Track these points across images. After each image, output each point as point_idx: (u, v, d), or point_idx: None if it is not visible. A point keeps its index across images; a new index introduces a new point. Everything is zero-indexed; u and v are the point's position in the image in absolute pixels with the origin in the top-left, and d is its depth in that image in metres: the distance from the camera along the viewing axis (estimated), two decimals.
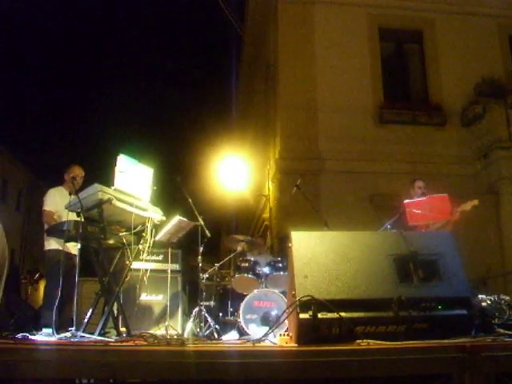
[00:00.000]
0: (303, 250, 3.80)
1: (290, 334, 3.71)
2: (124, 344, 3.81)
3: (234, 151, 17.93)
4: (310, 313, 3.45)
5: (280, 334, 3.75)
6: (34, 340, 4.65)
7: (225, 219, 21.52)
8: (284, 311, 3.63)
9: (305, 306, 3.47)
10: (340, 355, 2.96)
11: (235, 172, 14.72)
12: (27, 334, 5.05)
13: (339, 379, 2.90)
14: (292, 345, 3.53)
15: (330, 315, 3.49)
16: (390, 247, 3.93)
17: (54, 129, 46.81)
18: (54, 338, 5.05)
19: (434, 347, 3.10)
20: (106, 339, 4.87)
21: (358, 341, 3.39)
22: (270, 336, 3.84)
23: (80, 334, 5.26)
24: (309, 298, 3.43)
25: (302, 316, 3.47)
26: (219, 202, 18.55)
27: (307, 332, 3.47)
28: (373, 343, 3.30)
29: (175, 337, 7.42)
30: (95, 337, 5.10)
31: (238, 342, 4.36)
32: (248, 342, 3.67)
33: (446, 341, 3.28)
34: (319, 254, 3.81)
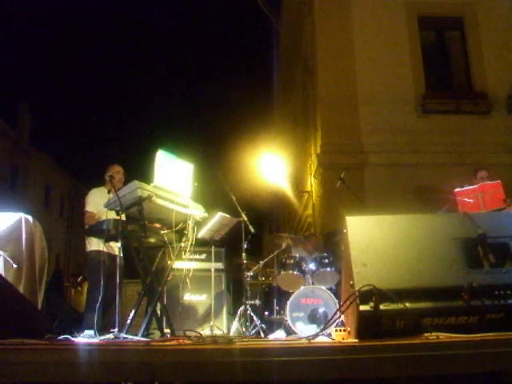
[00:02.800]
0: (360, 235, 3.51)
1: (348, 329, 3.45)
2: (167, 344, 3.61)
3: (275, 147, 17.78)
4: (372, 304, 3.13)
5: (336, 330, 3.49)
6: (70, 341, 4.50)
7: (267, 217, 21.36)
8: (343, 303, 3.36)
9: (365, 296, 3.16)
10: (406, 350, 2.68)
11: (276, 168, 14.56)
12: (69, 336, 4.93)
13: (406, 377, 2.61)
14: (352, 340, 3.27)
15: (393, 306, 3.18)
16: (455, 230, 3.58)
17: (93, 133, 47.40)
18: (96, 340, 4.93)
19: (508, 340, 2.79)
20: (148, 339, 4.71)
21: (425, 334, 3.08)
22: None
23: (123, 335, 5.13)
24: (369, 287, 3.13)
25: (362, 308, 3.16)
26: (261, 199, 18.39)
27: (368, 325, 3.17)
28: (443, 336, 3.00)
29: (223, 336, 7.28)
30: (138, 338, 4.96)
31: (292, 339, 4.12)
32: (303, 338, 3.45)
33: None
34: (377, 239, 3.51)
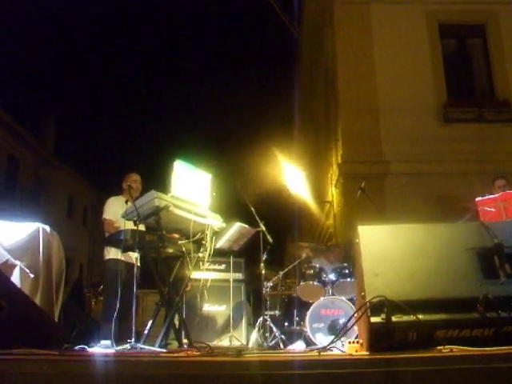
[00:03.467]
0: (372, 245, 3.42)
1: (361, 341, 3.37)
2: (174, 355, 3.56)
3: (297, 157, 17.74)
4: (383, 316, 3.05)
5: (349, 342, 3.40)
6: (79, 352, 4.48)
7: (288, 227, 21.31)
8: (352, 315, 3.29)
9: (376, 308, 3.07)
10: (418, 364, 2.57)
11: (297, 179, 14.51)
12: (85, 346, 4.92)
13: None
14: (363, 353, 3.19)
15: (405, 318, 3.09)
16: (471, 240, 3.47)
17: (115, 144, 47.66)
18: (110, 350, 4.91)
19: None
20: (159, 350, 4.66)
21: (438, 347, 2.99)
22: (338, 345, 3.54)
23: (139, 345, 5.10)
24: (381, 298, 3.04)
25: (373, 320, 3.07)
26: (282, 209, 18.34)
27: (380, 338, 3.08)
28: (456, 349, 2.90)
29: (238, 347, 7.23)
30: (153, 348, 4.92)
31: (302, 351, 4.04)
32: (313, 351, 3.38)
33: None
34: (390, 249, 3.42)
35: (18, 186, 29.03)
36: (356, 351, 3.26)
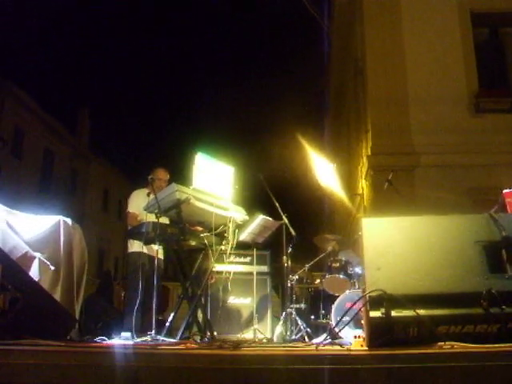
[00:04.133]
0: (376, 238, 3.33)
1: (363, 336, 3.32)
2: (171, 348, 3.54)
3: (328, 150, 17.65)
4: (383, 310, 2.97)
5: (355, 336, 3.36)
6: (88, 343, 4.52)
7: (318, 220, 21.21)
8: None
9: (376, 302, 2.99)
10: (417, 361, 2.49)
11: (328, 171, 14.41)
12: (105, 338, 4.97)
13: None
14: (361, 348, 3.13)
15: (406, 313, 3.00)
16: (479, 232, 3.35)
17: (150, 137, 47.98)
18: (129, 342, 4.93)
19: None
20: (157, 343, 4.64)
21: (439, 343, 2.90)
22: (349, 339, 3.49)
23: (160, 337, 5.13)
24: (380, 292, 2.98)
25: (372, 314, 3.00)
26: (312, 202, 18.28)
27: (379, 333, 3.00)
28: (458, 346, 2.81)
29: (264, 340, 7.22)
30: (171, 340, 4.93)
31: (300, 345, 3.99)
32: (312, 345, 3.34)
33: None
34: (395, 242, 3.33)
35: (54, 180, 29.47)
36: (362, 346, 3.22)
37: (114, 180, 35.86)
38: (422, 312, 2.99)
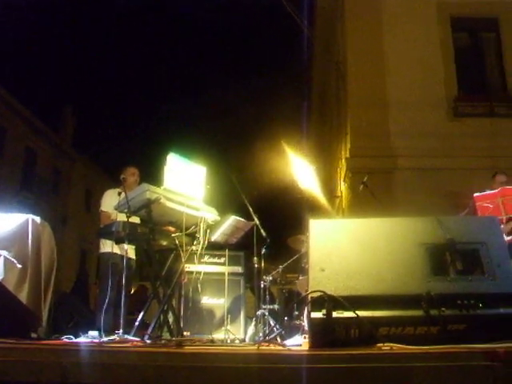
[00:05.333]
0: (322, 239, 3.33)
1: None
2: (116, 345, 3.54)
3: (309, 152, 17.67)
4: (324, 311, 2.97)
5: (304, 337, 3.37)
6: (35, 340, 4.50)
7: (297, 222, 21.16)
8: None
9: (318, 303, 2.99)
10: (354, 361, 2.51)
11: (307, 173, 14.44)
12: (72, 337, 4.95)
13: None
14: (302, 348, 3.14)
15: (347, 314, 3.01)
16: (423, 235, 3.37)
17: (134, 137, 47.89)
18: (97, 340, 4.92)
19: (462, 353, 2.58)
20: (108, 341, 4.61)
21: (379, 344, 2.91)
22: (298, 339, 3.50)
23: (127, 337, 5.11)
24: (321, 293, 3.00)
25: (314, 315, 3.01)
26: (291, 204, 18.27)
27: (321, 334, 3.01)
28: (397, 347, 2.82)
29: (236, 341, 7.23)
30: (133, 338, 4.91)
31: (241, 345, 3.99)
32: (254, 344, 3.35)
33: (474, 346, 2.73)
34: (340, 244, 3.33)
35: (36, 179, 29.25)
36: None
37: (97, 180, 35.63)
38: (363, 313, 3.00)
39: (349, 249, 3.33)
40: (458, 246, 3.25)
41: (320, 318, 3.00)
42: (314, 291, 3.00)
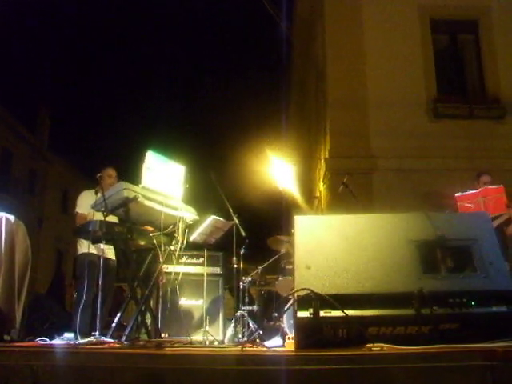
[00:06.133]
0: (308, 236, 3.24)
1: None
2: (90, 347, 3.42)
3: (289, 153, 17.60)
4: (311, 310, 2.87)
5: (288, 338, 3.27)
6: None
7: (277, 223, 21.08)
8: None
9: (304, 302, 2.89)
10: (343, 362, 2.39)
11: (288, 174, 14.35)
12: (46, 339, 4.81)
13: None
14: (288, 349, 3.04)
15: (335, 313, 2.90)
16: (413, 231, 3.29)
17: (106, 136, 47.56)
18: (72, 342, 4.79)
19: (457, 353, 2.48)
20: (80, 343, 4.49)
21: (368, 345, 2.80)
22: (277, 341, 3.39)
23: (104, 338, 4.99)
24: (307, 292, 2.89)
25: (300, 314, 2.91)
26: (272, 205, 18.19)
27: (307, 334, 2.90)
28: (386, 348, 2.72)
29: (215, 343, 7.13)
30: (109, 340, 4.79)
31: (225, 346, 3.89)
32: (236, 345, 3.24)
33: (473, 345, 2.64)
34: (327, 241, 3.23)
35: (12, 180, 28.88)
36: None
37: (74, 180, 35.23)
38: (351, 313, 2.89)
39: (336, 246, 3.22)
40: (449, 242, 3.17)
41: (307, 318, 2.90)
42: (301, 289, 2.88)
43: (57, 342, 5.08)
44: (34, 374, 2.24)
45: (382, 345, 2.73)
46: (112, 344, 3.50)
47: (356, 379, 2.36)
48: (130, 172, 7.18)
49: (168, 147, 6.76)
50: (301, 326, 2.94)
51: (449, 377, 2.35)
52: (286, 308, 6.61)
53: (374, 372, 2.37)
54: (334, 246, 3.22)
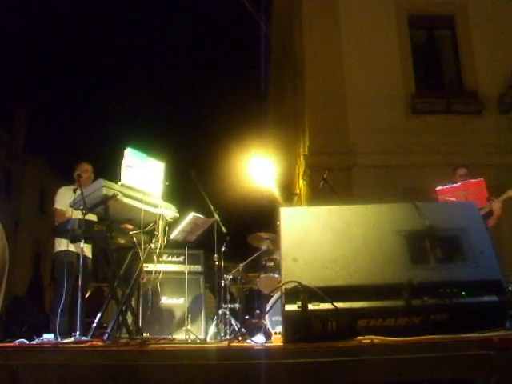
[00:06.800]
0: (294, 228, 3.17)
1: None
2: (72, 346, 3.34)
3: (268, 150, 17.58)
4: (299, 303, 2.80)
5: (275, 333, 3.21)
6: None
7: (258, 221, 21.04)
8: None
9: (292, 295, 2.82)
10: (332, 355, 2.34)
11: (266, 171, 14.31)
12: (25, 340, 4.72)
13: None
14: (277, 344, 2.98)
15: (323, 306, 2.83)
16: (401, 222, 3.25)
17: (83, 135, 47.28)
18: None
19: (450, 343, 2.44)
20: (65, 342, 4.40)
21: (358, 337, 2.74)
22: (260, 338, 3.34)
23: (84, 338, 4.90)
24: (295, 284, 2.84)
25: (288, 308, 2.84)
26: (253, 202, 18.17)
27: (296, 327, 2.83)
28: (377, 339, 2.66)
29: (197, 341, 7.06)
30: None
31: (211, 342, 3.84)
32: (224, 341, 3.18)
33: (466, 335, 2.60)
34: (314, 232, 3.16)
35: None
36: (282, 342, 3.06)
37: (51, 181, 34.86)
38: (340, 305, 2.82)
39: (323, 237, 3.16)
40: (438, 232, 3.11)
41: (295, 311, 2.83)
42: (288, 282, 2.83)
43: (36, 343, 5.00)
44: (13, 374, 2.17)
45: (372, 337, 2.68)
46: (95, 342, 3.42)
47: (346, 372, 2.30)
48: (108, 170, 7.09)
49: (147, 144, 6.67)
50: (289, 320, 2.88)
51: (443, 367, 2.31)
52: (272, 303, 6.58)
53: (364, 364, 2.32)
54: (321, 238, 3.16)
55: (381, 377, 2.29)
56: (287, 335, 2.90)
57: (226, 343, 2.83)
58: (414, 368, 2.31)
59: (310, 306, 2.82)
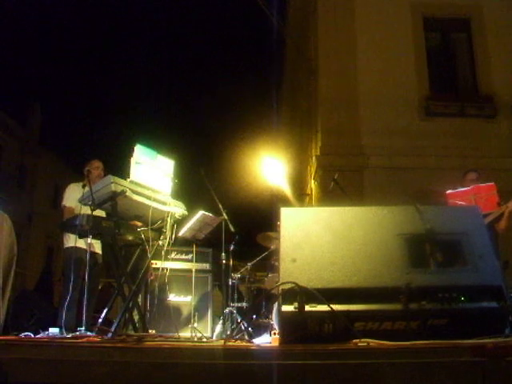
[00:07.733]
0: (294, 228, 3.16)
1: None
2: (69, 341, 3.35)
3: (277, 149, 17.59)
4: (296, 305, 2.80)
5: (273, 333, 3.20)
6: None
7: (267, 219, 21.03)
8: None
9: (289, 296, 2.81)
10: (328, 357, 2.33)
11: (279, 171, 14.33)
12: (30, 334, 4.74)
13: None
14: (273, 344, 2.98)
15: (320, 308, 2.82)
16: (402, 225, 3.23)
17: (101, 132, 47.48)
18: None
19: (445, 349, 2.42)
20: (63, 337, 4.42)
21: (354, 340, 2.73)
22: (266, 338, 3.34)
23: (89, 334, 4.93)
24: (292, 285, 2.83)
25: (284, 309, 2.84)
26: (261, 200, 18.17)
27: (292, 328, 2.82)
28: (373, 343, 2.65)
29: (203, 339, 7.06)
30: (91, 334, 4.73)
31: (207, 341, 3.83)
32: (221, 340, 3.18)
33: (460, 341, 2.56)
34: (313, 233, 3.15)
35: (2, 175, 28.70)
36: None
37: (65, 176, 35.04)
38: (337, 307, 2.81)
39: (322, 238, 3.14)
40: (439, 236, 3.09)
41: (291, 312, 2.82)
42: (285, 282, 2.82)
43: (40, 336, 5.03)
44: (2, 368, 2.18)
45: (369, 340, 2.66)
46: (90, 338, 3.43)
47: (341, 375, 2.29)
48: (121, 166, 7.11)
49: (158, 142, 6.69)
50: (285, 321, 2.87)
51: (437, 373, 2.29)
52: (273, 303, 6.56)
53: (359, 368, 2.31)
54: (320, 239, 3.15)
55: (371, 381, 2.27)
56: (283, 336, 2.89)
57: (221, 342, 2.82)
58: (408, 373, 2.29)
59: (307, 308, 2.81)
